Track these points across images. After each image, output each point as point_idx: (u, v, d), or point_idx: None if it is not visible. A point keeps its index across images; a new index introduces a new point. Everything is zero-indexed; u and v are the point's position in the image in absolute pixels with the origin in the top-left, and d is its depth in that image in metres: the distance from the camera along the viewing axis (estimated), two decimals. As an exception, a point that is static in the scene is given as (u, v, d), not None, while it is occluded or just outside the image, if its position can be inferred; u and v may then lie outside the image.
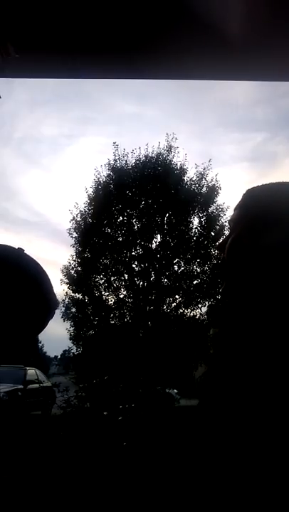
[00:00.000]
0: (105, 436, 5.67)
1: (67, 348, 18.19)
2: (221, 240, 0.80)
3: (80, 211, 14.87)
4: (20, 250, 0.88)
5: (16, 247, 0.88)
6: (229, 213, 14.21)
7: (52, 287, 0.90)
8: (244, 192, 0.80)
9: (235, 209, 0.80)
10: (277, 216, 0.71)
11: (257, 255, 0.70)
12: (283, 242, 0.68)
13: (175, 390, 14.15)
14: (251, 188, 0.79)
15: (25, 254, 0.88)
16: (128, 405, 7.47)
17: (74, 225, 14.85)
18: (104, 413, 7.20)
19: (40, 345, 35.86)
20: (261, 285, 0.69)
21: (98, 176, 14.85)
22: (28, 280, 0.85)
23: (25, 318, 0.83)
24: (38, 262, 0.89)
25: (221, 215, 14.39)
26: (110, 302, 14.66)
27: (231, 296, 0.75)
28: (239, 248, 0.74)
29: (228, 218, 0.81)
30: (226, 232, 0.82)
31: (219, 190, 14.70)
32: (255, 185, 0.79)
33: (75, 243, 14.88)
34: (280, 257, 0.68)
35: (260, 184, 0.78)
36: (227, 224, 0.81)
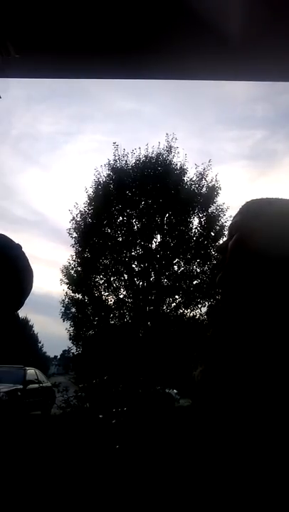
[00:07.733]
0: (100, 438, 5.68)
1: (66, 348, 18.16)
2: (221, 243, 0.82)
3: (80, 211, 14.87)
4: None
5: None
6: (229, 213, 14.19)
7: (27, 261, 0.91)
8: (246, 200, 0.83)
9: (237, 214, 0.82)
10: (280, 222, 0.73)
11: (261, 258, 0.71)
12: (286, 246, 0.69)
13: (175, 390, 14.13)
14: (253, 199, 0.81)
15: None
16: (122, 408, 7.48)
17: (74, 225, 14.85)
18: (100, 416, 7.20)
19: (40, 345, 35.85)
20: (263, 286, 0.70)
21: (98, 176, 14.85)
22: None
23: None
24: (19, 243, 0.91)
25: (221, 215, 14.39)
26: (110, 302, 14.66)
27: (232, 296, 0.76)
28: (243, 249, 0.75)
29: (230, 221, 0.83)
30: (226, 233, 0.84)
31: (219, 191, 14.70)
32: (256, 198, 0.82)
33: (75, 243, 14.88)
34: (282, 260, 0.69)
35: (261, 197, 0.81)
36: (228, 227, 0.83)
